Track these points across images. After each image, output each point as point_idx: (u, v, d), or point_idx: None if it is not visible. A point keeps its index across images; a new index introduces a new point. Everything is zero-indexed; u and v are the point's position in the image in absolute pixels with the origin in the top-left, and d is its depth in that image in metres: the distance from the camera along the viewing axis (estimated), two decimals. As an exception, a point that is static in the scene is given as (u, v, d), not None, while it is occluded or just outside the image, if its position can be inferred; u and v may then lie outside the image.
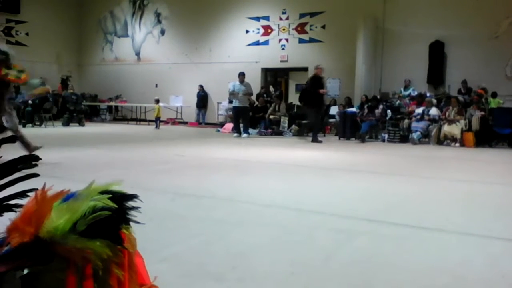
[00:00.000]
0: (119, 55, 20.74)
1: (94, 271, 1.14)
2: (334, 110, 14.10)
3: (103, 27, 21.14)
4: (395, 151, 9.65)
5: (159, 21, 19.53)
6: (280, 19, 16.76)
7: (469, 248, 2.96)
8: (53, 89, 16.41)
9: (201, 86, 17.91)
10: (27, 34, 19.78)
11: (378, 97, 13.87)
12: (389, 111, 12.61)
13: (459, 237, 3.20)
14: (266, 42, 17.07)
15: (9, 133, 5.56)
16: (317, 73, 11.37)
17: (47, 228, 1.12)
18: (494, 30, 13.27)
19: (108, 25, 21.02)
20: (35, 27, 19.73)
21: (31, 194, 1.23)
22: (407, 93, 13.90)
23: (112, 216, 1.15)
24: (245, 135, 12.17)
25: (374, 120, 12.34)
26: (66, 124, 15.30)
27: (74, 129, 14.25)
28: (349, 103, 13.91)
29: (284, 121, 13.76)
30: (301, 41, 16.39)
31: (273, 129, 13.78)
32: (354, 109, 13.14)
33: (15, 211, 1.25)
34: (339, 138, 12.52)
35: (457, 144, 11.04)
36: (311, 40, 16.17)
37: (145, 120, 17.96)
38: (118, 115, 20.28)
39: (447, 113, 11.60)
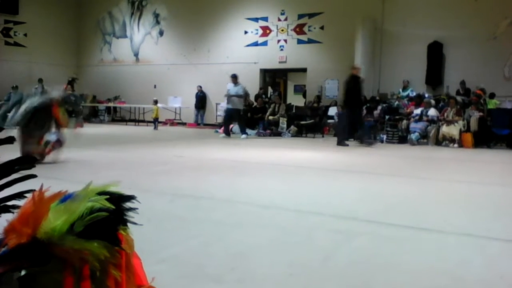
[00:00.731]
0: (118, 56, 20.73)
1: (92, 272, 1.13)
2: (333, 111, 14.11)
3: (101, 28, 21.13)
4: (393, 152, 9.66)
5: (157, 22, 19.53)
6: (279, 20, 16.76)
7: (468, 249, 2.96)
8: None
9: (199, 87, 17.92)
10: (25, 35, 19.76)
11: (377, 98, 13.89)
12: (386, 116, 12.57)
13: (457, 238, 3.20)
14: (264, 43, 17.08)
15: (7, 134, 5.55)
16: (355, 73, 10.97)
17: (44, 229, 1.12)
18: (493, 31, 13.29)
19: (106, 26, 21.01)
20: (33, 28, 19.71)
21: (29, 195, 1.23)
22: (405, 94, 13.90)
23: (109, 217, 1.15)
24: (243, 136, 12.17)
25: (372, 121, 12.34)
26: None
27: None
28: (348, 103, 13.91)
29: (283, 122, 13.76)
30: (299, 42, 16.40)
31: (271, 130, 13.78)
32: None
33: (13, 212, 1.24)
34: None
35: (456, 145, 11.05)
36: (310, 41, 16.18)
37: (143, 121, 17.96)
38: (116, 116, 20.27)
39: (445, 114, 11.61)
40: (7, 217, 1.21)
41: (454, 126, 11.24)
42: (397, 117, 12.36)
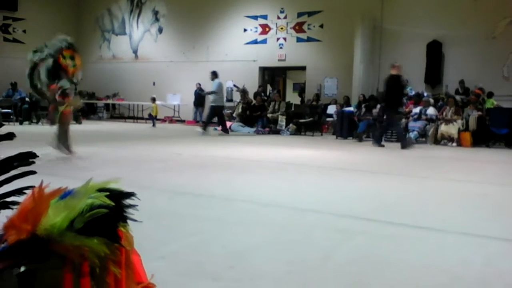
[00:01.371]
0: (117, 53, 20.70)
1: (91, 269, 1.13)
2: (332, 109, 14.12)
3: (100, 25, 21.09)
4: (392, 150, 9.66)
5: (157, 19, 19.50)
6: (278, 18, 16.74)
7: (466, 248, 2.96)
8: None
9: (198, 85, 17.89)
10: (24, 31, 19.71)
11: (376, 96, 13.88)
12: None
13: (456, 236, 3.20)
14: (264, 41, 17.06)
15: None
16: (396, 72, 10.41)
17: (44, 225, 1.12)
18: (492, 30, 13.29)
19: (105, 23, 20.96)
20: (32, 25, 19.65)
21: (28, 192, 1.23)
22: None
23: (109, 214, 1.15)
24: (201, 132, 12.31)
25: (371, 120, 12.34)
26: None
27: (71, 127, 14.17)
28: (347, 102, 13.92)
29: (282, 119, 13.76)
30: (299, 40, 16.38)
31: (270, 128, 13.78)
32: (351, 109, 13.15)
33: (12, 209, 1.24)
34: (336, 137, 12.53)
35: (454, 144, 11.06)
36: (309, 39, 16.16)
37: (142, 118, 17.94)
38: (115, 113, 20.24)
39: (444, 113, 11.62)
40: (7, 213, 1.21)
41: (453, 125, 11.25)
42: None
